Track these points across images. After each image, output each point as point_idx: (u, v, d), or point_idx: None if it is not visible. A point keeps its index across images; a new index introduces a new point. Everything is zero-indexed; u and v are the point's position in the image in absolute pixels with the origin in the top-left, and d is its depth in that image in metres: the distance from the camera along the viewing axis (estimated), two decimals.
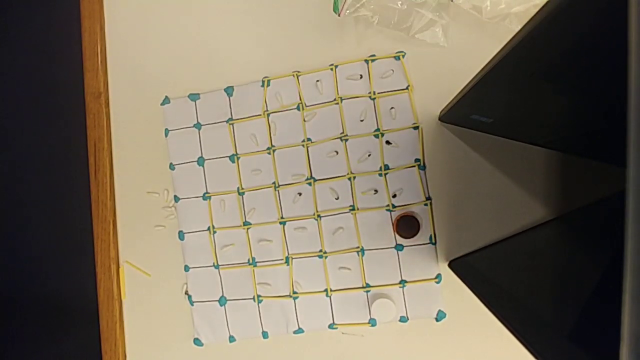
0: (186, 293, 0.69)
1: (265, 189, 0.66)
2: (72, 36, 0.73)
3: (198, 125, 0.69)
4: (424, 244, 0.62)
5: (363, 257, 0.64)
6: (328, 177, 0.65)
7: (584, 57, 0.29)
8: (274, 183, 0.66)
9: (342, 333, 0.65)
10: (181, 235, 0.69)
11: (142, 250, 0.71)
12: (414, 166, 0.62)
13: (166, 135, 0.70)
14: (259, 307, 0.67)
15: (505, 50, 0.32)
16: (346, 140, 0.64)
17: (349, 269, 0.64)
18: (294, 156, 0.66)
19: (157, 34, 0.71)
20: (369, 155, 0.63)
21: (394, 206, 0.63)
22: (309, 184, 0.65)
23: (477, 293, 0.49)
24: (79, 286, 0.72)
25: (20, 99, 0.75)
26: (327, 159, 0.65)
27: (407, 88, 0.62)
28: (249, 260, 0.67)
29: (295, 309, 0.66)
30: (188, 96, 0.69)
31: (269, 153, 0.66)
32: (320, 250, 0.65)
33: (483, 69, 0.38)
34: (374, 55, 0.63)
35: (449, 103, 0.55)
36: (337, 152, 0.64)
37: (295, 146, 0.66)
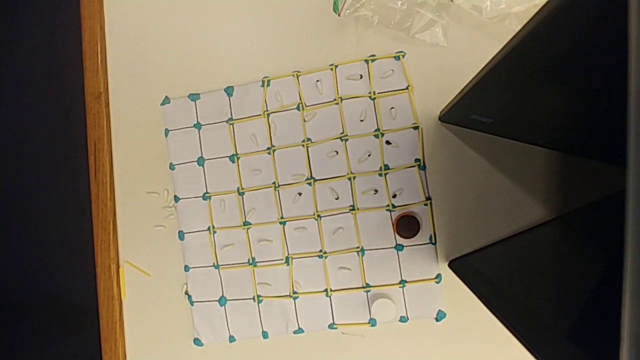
0: (186, 293, 0.69)
1: (265, 189, 0.66)
2: (72, 36, 0.73)
3: (198, 125, 0.69)
4: (424, 244, 0.62)
5: (363, 257, 0.64)
6: (328, 177, 0.65)
7: (584, 57, 0.29)
8: (274, 183, 0.66)
9: (342, 333, 0.65)
10: (181, 235, 0.69)
11: (142, 250, 0.71)
12: (414, 166, 0.62)
13: (166, 135, 0.70)
14: (259, 307, 0.67)
15: (505, 50, 0.32)
16: (346, 140, 0.64)
17: (349, 269, 0.64)
18: (294, 156, 0.66)
19: (157, 34, 0.71)
20: (369, 155, 0.63)
21: (394, 206, 0.63)
22: (309, 184, 0.65)
23: (477, 293, 0.49)
24: (79, 286, 0.72)
25: (20, 99, 0.75)
26: (327, 159, 0.65)
27: (407, 88, 0.62)
28: (249, 260, 0.67)
29: (295, 309, 0.66)
30: (188, 96, 0.69)
31: (269, 153, 0.66)
32: (320, 250, 0.65)
33: (483, 69, 0.38)
34: (374, 55, 0.63)
35: (449, 103, 0.55)
36: (337, 152, 0.64)
37: (295, 146, 0.66)
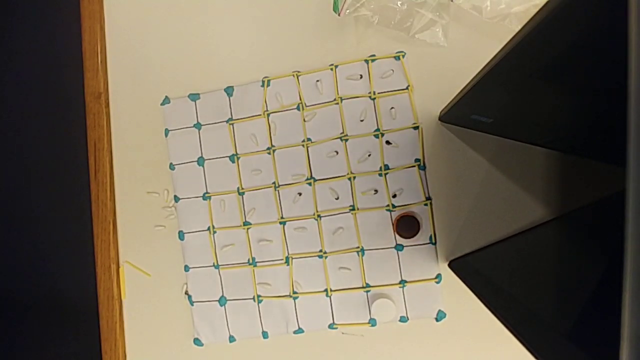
0: (186, 293, 0.69)
1: (265, 189, 0.67)
2: (72, 36, 0.73)
3: (198, 125, 0.69)
4: (424, 244, 0.62)
5: (363, 257, 0.64)
6: (328, 177, 0.65)
7: (584, 57, 0.29)
8: (274, 183, 0.66)
9: (342, 333, 0.65)
10: (181, 235, 0.69)
11: (142, 250, 0.71)
12: (414, 166, 0.62)
13: (166, 135, 0.70)
14: (259, 307, 0.67)
15: (505, 50, 0.32)
16: (346, 140, 0.64)
17: (349, 269, 0.64)
18: (294, 156, 0.66)
19: (157, 34, 0.71)
20: (369, 155, 0.63)
21: (394, 206, 0.63)
22: (309, 184, 0.65)
23: (477, 293, 0.49)
24: (79, 286, 0.72)
25: (20, 99, 0.75)
26: (327, 159, 0.65)
27: (407, 88, 0.62)
28: (249, 260, 0.67)
29: (295, 309, 0.66)
30: (188, 96, 0.69)
31: (269, 153, 0.66)
32: (320, 250, 0.65)
33: (483, 69, 0.38)
34: (374, 55, 0.63)
35: (449, 103, 0.55)
36: (337, 152, 0.64)
37: (295, 146, 0.66)
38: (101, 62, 0.72)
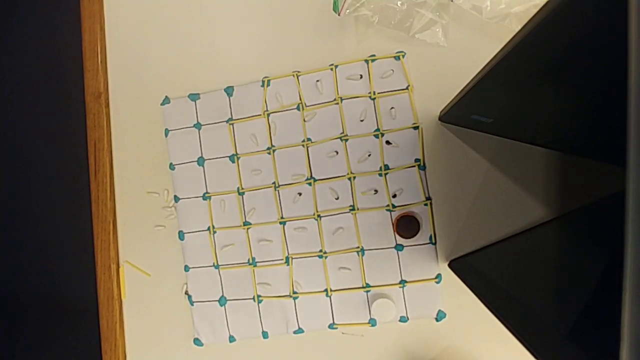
0: (186, 293, 0.69)
1: (265, 189, 0.66)
2: (72, 36, 0.73)
3: (198, 125, 0.69)
4: (424, 244, 0.62)
5: (363, 257, 0.64)
6: (328, 177, 0.65)
7: (584, 57, 0.29)
8: (274, 183, 0.66)
9: (342, 333, 0.65)
10: (181, 235, 0.69)
11: (142, 250, 0.71)
12: (414, 166, 0.62)
13: (166, 135, 0.70)
14: (259, 307, 0.67)
15: (505, 50, 0.32)
16: (346, 140, 0.64)
17: (349, 269, 0.64)
18: (294, 156, 0.66)
19: (157, 34, 0.71)
20: (369, 155, 0.63)
21: (394, 206, 0.63)
22: (309, 184, 0.65)
23: (477, 293, 0.49)
24: (79, 286, 0.72)
25: (20, 99, 0.75)
26: (327, 159, 0.65)
27: (407, 88, 0.62)
28: (249, 260, 0.67)
29: (295, 309, 0.66)
30: (188, 96, 0.69)
31: (269, 153, 0.66)
32: (320, 250, 0.65)
33: (483, 69, 0.38)
34: (374, 55, 0.63)
35: (449, 103, 0.55)
36: (337, 152, 0.64)
37: (295, 146, 0.66)
38: (101, 62, 0.72)
